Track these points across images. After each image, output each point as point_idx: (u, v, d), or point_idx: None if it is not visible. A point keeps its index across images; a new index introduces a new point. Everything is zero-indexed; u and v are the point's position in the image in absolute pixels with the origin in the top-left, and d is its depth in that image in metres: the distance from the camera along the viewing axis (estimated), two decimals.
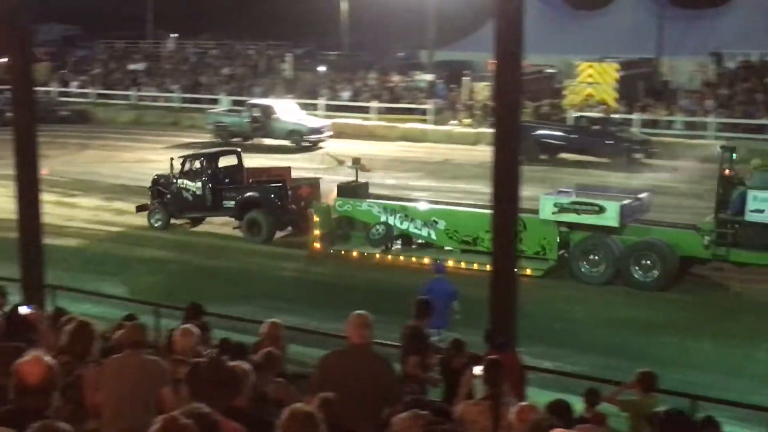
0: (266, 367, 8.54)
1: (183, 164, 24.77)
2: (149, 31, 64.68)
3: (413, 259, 20.85)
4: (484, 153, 29.44)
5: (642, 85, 41.99)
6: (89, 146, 37.25)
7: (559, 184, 24.50)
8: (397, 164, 33.77)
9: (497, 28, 10.52)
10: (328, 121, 39.81)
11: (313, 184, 24.30)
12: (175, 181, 24.46)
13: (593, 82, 40.24)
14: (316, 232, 21.52)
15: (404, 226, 21.25)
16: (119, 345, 7.91)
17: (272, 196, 23.20)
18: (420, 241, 21.52)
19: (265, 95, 44.80)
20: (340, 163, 23.50)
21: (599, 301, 18.76)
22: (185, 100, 48.09)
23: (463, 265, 19.80)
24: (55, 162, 27.43)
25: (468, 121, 40.08)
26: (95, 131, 41.81)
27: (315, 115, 41.17)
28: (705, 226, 19.02)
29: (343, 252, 21.56)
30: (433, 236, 20.99)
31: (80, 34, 76.47)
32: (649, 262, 18.99)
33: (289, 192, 23.26)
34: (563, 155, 33.84)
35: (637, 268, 19.05)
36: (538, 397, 11.70)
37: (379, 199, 22.24)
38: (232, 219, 23.97)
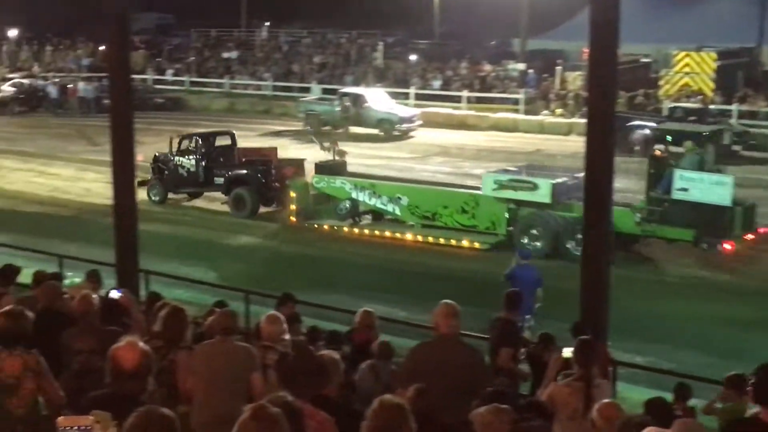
0: (383, 356, 8.60)
1: (180, 143, 26.46)
2: (243, 19, 65.40)
3: (376, 232, 22.36)
4: (577, 144, 29.16)
5: (741, 75, 40.88)
6: (183, 133, 37.80)
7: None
8: (487, 154, 33.54)
9: (592, 17, 10.33)
10: (418, 111, 39.74)
11: (298, 164, 25.47)
12: (172, 158, 26.10)
13: (690, 71, 39.31)
14: (293, 206, 23.25)
15: (372, 202, 22.80)
16: (210, 331, 8.00)
17: (257, 174, 24.74)
18: (389, 216, 22.85)
19: (356, 84, 44.94)
20: (323, 147, 24.83)
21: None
22: (277, 89, 48.53)
23: (420, 238, 21.65)
24: (150, 149, 27.87)
25: (560, 111, 39.59)
26: (189, 118, 42.40)
27: (405, 104, 41.14)
28: (638, 204, 20.29)
29: (316, 225, 23.06)
30: (398, 212, 22.52)
31: (175, 23, 77.82)
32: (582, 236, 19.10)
33: (273, 171, 24.66)
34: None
35: (572, 242, 19.43)
36: (629, 393, 11.56)
37: (355, 177, 23.61)
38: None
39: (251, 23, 65.33)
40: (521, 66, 44.41)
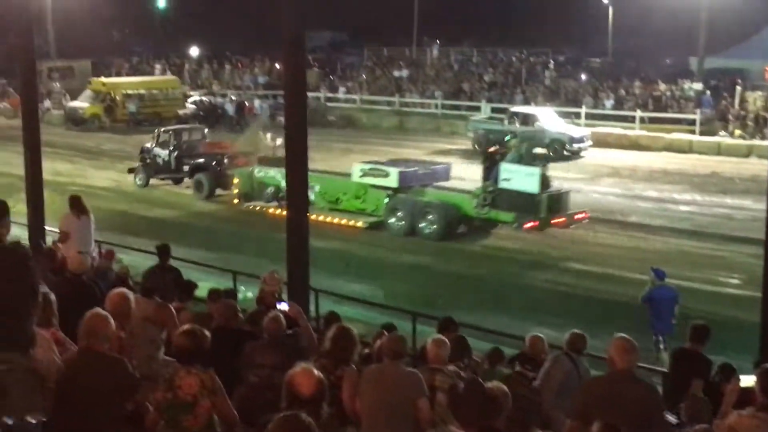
0: (575, 348, 8.68)
1: (158, 136, 31.62)
2: (414, 38, 66.09)
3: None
4: (756, 166, 27.92)
5: None
6: (353, 150, 38.33)
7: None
8: (660, 176, 32.65)
9: None
10: (589, 130, 39.06)
11: (250, 156, 29.46)
12: (153, 149, 31.18)
13: None
14: (236, 191, 28.12)
15: None
16: (379, 354, 8.01)
17: (213, 163, 29.71)
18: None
19: (526, 103, 44.63)
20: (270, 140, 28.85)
21: None
22: (446, 107, 48.71)
23: (328, 219, 25.34)
24: (320, 165, 28.35)
25: (739, 132, 38.13)
26: (359, 136, 43.08)
27: (576, 124, 40.51)
28: (476, 192, 23.76)
29: (251, 207, 27.40)
30: (312, 197, 25.10)
31: (348, 41, 79.35)
32: (432, 218, 23.84)
33: (226, 161, 29.59)
34: None
35: (424, 223, 23.98)
36: None
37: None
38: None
39: (422, 42, 65.91)
40: (698, 85, 43.12)
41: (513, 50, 59.84)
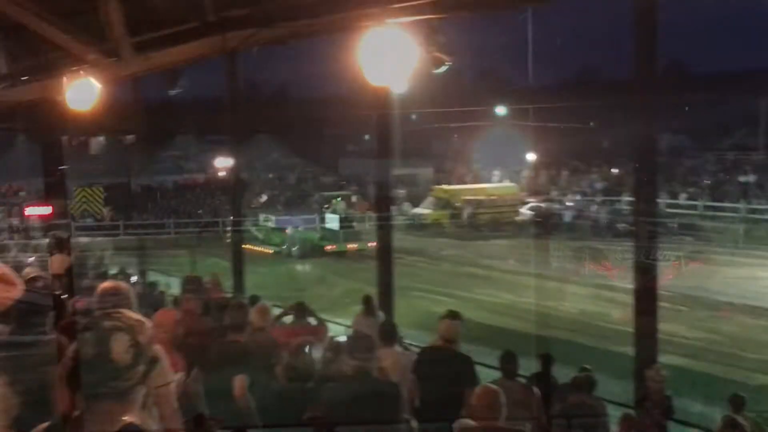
0: None
1: None
2: (760, 141, 63.16)
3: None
4: None
5: None
6: (695, 259, 36.93)
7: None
8: None
9: None
10: None
11: None
12: None
13: None
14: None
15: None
16: None
17: None
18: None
19: None
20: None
21: None
22: None
23: (263, 249, 40.39)
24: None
25: None
26: (703, 244, 41.38)
27: None
28: (318, 230, 41.60)
29: None
30: (261, 237, 41.90)
31: (688, 145, 77.13)
32: (297, 245, 38.84)
33: None
34: None
35: (294, 248, 38.15)
36: None
37: None
38: None
39: None
40: None
41: None
